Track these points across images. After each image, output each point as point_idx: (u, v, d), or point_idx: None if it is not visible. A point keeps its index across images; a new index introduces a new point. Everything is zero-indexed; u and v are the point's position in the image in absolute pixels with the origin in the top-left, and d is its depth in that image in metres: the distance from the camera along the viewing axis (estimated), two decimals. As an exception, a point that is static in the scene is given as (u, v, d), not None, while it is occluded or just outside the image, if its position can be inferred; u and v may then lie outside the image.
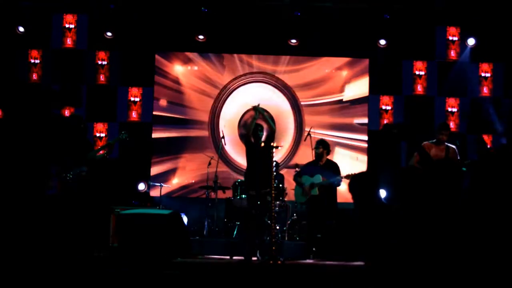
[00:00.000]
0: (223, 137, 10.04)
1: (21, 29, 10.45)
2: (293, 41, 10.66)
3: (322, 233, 8.27)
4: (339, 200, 8.61)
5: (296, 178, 8.79)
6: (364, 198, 3.45)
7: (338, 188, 8.60)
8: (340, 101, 10.95)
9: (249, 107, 10.87)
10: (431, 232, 3.01)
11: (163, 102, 10.95)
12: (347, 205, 9.67)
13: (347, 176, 8.38)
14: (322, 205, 8.28)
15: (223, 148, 10.32)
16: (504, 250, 2.86)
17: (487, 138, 10.65)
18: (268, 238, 7.85)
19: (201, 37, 10.67)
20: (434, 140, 8.14)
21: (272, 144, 7.77)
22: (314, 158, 8.76)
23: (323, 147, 8.58)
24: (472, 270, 2.86)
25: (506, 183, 3.14)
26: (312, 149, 8.82)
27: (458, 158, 8.04)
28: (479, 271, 2.84)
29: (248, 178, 8.04)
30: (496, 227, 3.01)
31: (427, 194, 3.19)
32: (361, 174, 4.03)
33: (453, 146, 8.13)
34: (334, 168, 8.54)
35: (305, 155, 9.85)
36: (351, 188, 3.66)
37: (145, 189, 10.39)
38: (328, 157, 8.75)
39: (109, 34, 10.52)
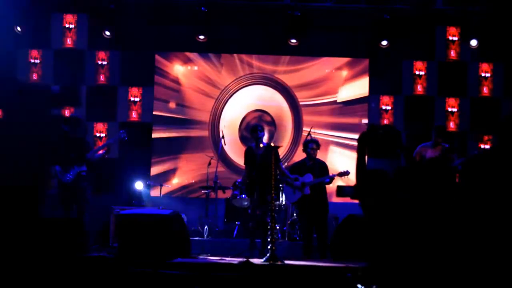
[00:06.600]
0: (223, 137, 10.04)
1: (19, 28, 10.37)
2: (293, 41, 10.62)
3: (318, 233, 8.25)
4: (345, 200, 8.60)
5: (285, 178, 8.74)
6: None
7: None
8: (340, 101, 10.95)
9: (250, 109, 10.96)
10: (424, 233, 3.02)
11: (172, 104, 10.95)
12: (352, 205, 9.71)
13: (340, 174, 8.39)
14: (315, 204, 8.25)
15: (223, 148, 10.32)
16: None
17: (486, 138, 10.67)
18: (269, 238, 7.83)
19: (201, 37, 10.64)
20: (431, 143, 8.11)
21: (271, 144, 7.78)
22: (308, 157, 8.71)
23: (317, 146, 8.57)
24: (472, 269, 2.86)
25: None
26: (310, 149, 8.75)
27: (454, 155, 7.99)
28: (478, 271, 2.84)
29: (249, 183, 8.08)
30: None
31: (417, 192, 3.18)
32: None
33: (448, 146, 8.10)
34: (323, 166, 8.52)
35: (303, 155, 9.82)
36: None
37: (142, 189, 10.28)
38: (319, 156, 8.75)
39: (107, 33, 10.47)
